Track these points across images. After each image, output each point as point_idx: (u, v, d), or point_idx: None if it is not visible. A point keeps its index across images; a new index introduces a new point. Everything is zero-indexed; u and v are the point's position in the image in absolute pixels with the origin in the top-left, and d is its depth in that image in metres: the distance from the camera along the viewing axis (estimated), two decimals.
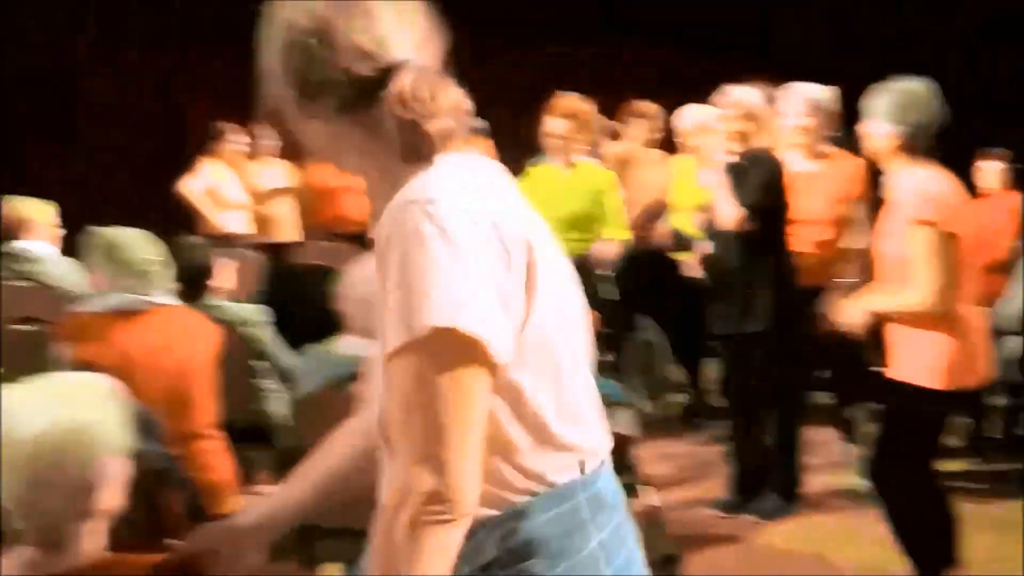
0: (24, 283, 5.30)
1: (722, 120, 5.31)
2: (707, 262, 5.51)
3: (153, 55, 11.37)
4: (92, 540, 1.98)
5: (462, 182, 1.62)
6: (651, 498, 4.63)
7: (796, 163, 5.46)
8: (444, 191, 1.58)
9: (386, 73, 1.64)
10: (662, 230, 6.84)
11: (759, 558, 4.88)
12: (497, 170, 1.75)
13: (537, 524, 1.65)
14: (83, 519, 1.96)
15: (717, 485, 5.55)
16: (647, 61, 11.49)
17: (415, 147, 1.65)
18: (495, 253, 1.57)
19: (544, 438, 1.66)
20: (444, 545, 1.54)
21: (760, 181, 5.11)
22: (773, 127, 5.39)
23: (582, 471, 1.70)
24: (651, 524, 4.58)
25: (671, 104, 7.14)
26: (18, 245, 5.40)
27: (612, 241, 6.23)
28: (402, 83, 1.64)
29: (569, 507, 1.68)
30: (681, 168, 6.70)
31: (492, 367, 1.56)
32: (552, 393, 1.66)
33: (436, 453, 1.52)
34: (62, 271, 5.53)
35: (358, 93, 1.65)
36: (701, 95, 6.75)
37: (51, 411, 1.93)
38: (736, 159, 5.21)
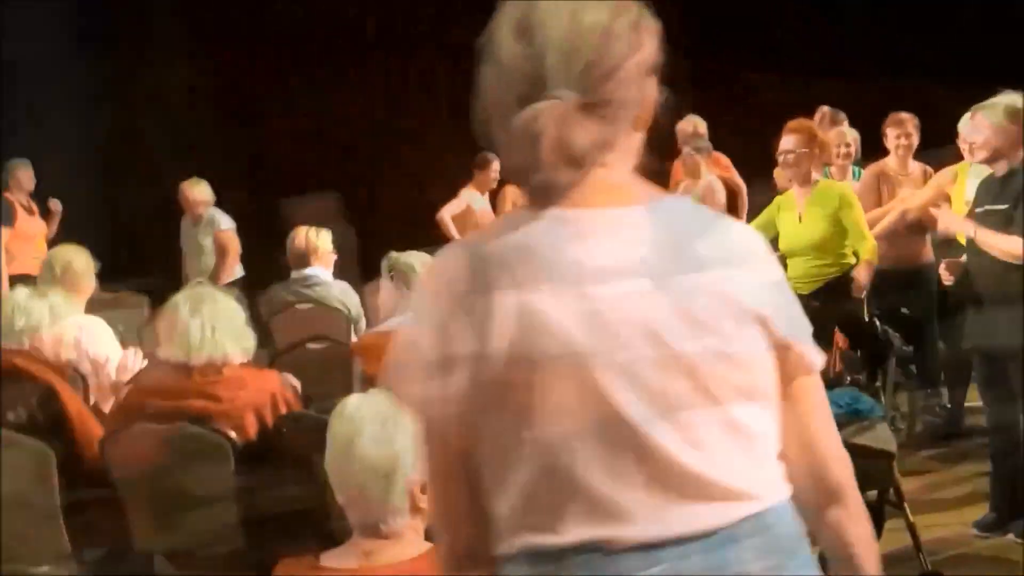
0: (311, 305, 5.78)
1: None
2: (958, 274, 5.44)
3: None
4: (415, 535, 2.27)
5: (479, 249, 1.55)
6: (910, 514, 4.69)
7: None
8: (447, 254, 1.59)
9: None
10: (922, 246, 6.74)
11: None
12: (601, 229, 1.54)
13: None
14: (408, 517, 2.24)
15: (977, 504, 5.53)
16: None
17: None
18: (439, 328, 1.52)
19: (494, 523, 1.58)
20: None
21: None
22: None
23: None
24: (911, 541, 4.66)
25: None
26: (307, 271, 5.91)
27: (862, 264, 6.18)
28: (514, 124, 1.52)
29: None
30: (960, 179, 6.51)
31: (435, 429, 1.57)
32: (503, 480, 1.54)
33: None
34: (341, 294, 6.01)
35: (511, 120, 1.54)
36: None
37: (382, 419, 2.24)
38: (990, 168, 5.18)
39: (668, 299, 1.51)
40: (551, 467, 1.50)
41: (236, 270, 8.53)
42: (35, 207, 8.79)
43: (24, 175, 8.65)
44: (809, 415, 1.65)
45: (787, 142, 6.13)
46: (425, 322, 1.55)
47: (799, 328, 1.63)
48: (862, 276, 6.08)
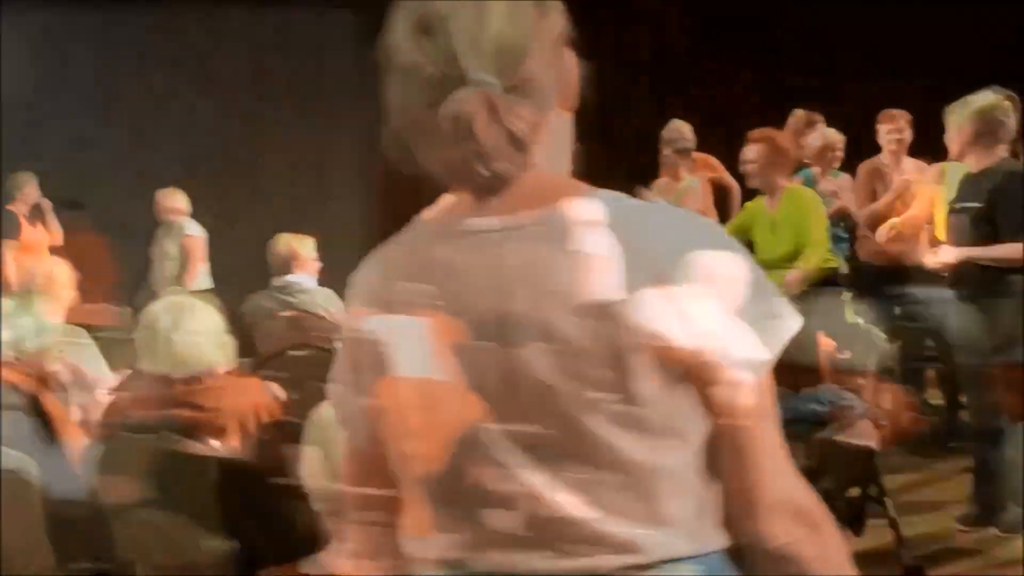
0: (294, 313, 5.79)
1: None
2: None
3: None
4: None
5: (383, 261, 1.57)
6: (892, 510, 4.73)
7: None
8: (367, 263, 1.60)
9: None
10: (915, 245, 6.73)
11: (1001, 571, 4.87)
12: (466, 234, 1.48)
13: None
14: None
15: (960, 500, 5.56)
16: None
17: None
18: (345, 343, 1.58)
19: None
20: None
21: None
22: None
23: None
24: (893, 536, 4.69)
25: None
26: (289, 278, 5.92)
27: (799, 270, 6.08)
28: (442, 115, 1.43)
29: None
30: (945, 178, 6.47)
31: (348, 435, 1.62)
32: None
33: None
34: (324, 300, 6.02)
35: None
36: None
37: None
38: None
39: (538, 325, 1.40)
40: (423, 490, 1.50)
41: (204, 279, 8.60)
42: (39, 218, 8.86)
43: (29, 187, 8.73)
44: (739, 447, 1.44)
45: (749, 152, 6.18)
46: (344, 333, 1.59)
47: (720, 335, 1.39)
48: (792, 280, 5.96)
